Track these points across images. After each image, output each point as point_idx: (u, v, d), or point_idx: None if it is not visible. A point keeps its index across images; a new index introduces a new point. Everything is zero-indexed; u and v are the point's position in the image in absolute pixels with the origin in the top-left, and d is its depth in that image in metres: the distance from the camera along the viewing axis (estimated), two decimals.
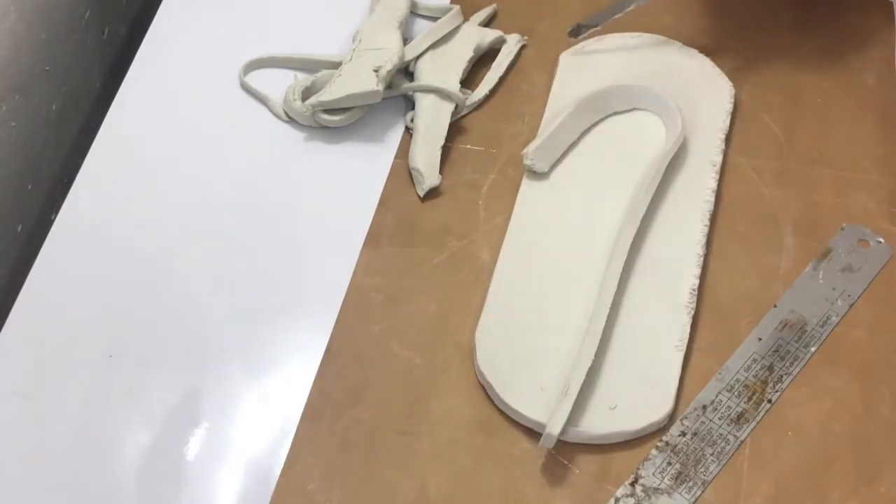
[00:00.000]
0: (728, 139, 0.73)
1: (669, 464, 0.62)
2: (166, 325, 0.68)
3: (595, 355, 0.63)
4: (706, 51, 0.77)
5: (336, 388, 0.65)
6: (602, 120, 0.74)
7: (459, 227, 0.71)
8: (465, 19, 0.79)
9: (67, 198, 0.73)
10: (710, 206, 0.70)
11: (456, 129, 0.75)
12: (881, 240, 0.69)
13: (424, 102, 0.75)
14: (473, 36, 0.78)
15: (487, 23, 0.80)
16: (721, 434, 0.63)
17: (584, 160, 0.73)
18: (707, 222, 0.70)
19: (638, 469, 0.62)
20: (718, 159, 0.72)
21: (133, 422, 0.65)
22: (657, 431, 0.63)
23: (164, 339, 0.68)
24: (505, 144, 0.74)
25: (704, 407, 0.64)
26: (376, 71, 0.74)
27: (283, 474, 0.63)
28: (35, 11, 0.79)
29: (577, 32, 0.77)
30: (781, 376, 0.65)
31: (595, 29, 0.77)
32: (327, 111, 0.74)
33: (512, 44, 0.79)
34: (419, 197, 0.72)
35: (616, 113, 0.75)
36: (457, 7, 0.79)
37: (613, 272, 0.66)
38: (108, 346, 0.67)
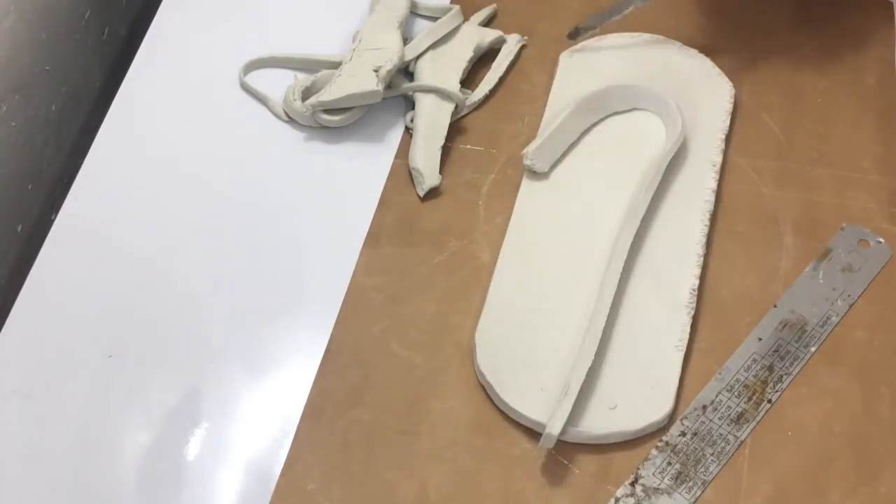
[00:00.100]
0: (728, 139, 0.73)
1: (669, 464, 0.62)
2: (166, 325, 0.68)
3: (595, 355, 0.63)
4: (706, 51, 0.77)
5: (336, 388, 0.65)
6: (602, 120, 0.74)
7: (459, 227, 0.71)
8: (465, 19, 0.79)
9: (67, 198, 0.73)
10: (710, 206, 0.70)
11: (456, 129, 0.75)
12: (881, 240, 0.69)
13: (424, 102, 0.75)
14: (473, 36, 0.78)
15: (487, 23, 0.80)
16: (721, 434, 0.63)
17: (584, 160, 0.73)
18: (707, 222, 0.70)
19: (638, 469, 0.62)
20: (718, 159, 0.72)
21: (133, 422, 0.65)
22: (657, 431, 0.63)
23: (164, 339, 0.68)
24: (505, 144, 0.74)
25: (704, 407, 0.64)
26: (376, 71, 0.74)
27: (283, 474, 0.63)
28: (35, 11, 0.79)
29: (576, 35, 0.77)
30: (781, 376, 0.65)
31: (593, 31, 0.77)
32: (327, 111, 0.74)
33: (512, 44, 0.79)
34: (419, 197, 0.72)
35: (616, 113, 0.75)
36: (457, 7, 0.79)
37: (613, 272, 0.66)
38: (108, 346, 0.67)
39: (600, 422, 0.63)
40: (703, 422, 0.63)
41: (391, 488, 0.62)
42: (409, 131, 0.75)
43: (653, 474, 0.62)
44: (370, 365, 0.66)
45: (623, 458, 0.63)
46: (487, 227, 0.71)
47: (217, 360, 0.67)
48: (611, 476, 0.62)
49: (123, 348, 0.67)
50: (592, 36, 0.77)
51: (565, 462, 0.63)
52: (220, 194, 0.73)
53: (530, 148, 0.72)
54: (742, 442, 0.63)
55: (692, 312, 0.66)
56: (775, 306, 0.67)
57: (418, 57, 0.77)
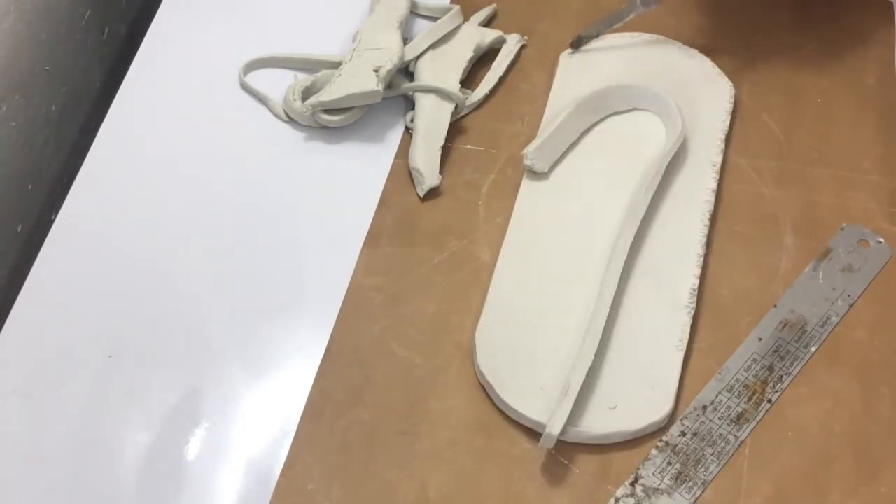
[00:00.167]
0: (728, 139, 0.73)
1: (669, 464, 0.62)
2: (166, 325, 0.68)
3: (595, 355, 0.63)
4: (706, 51, 0.77)
5: (336, 388, 0.65)
6: (602, 120, 0.74)
7: (459, 227, 0.71)
8: (465, 19, 0.79)
9: (67, 198, 0.73)
10: (710, 206, 0.70)
11: (456, 129, 0.75)
12: (881, 240, 0.69)
13: (424, 102, 0.75)
14: (473, 36, 0.78)
15: (487, 23, 0.80)
16: (721, 434, 0.63)
17: (584, 160, 0.73)
18: (707, 222, 0.70)
19: (638, 469, 0.62)
20: (718, 159, 0.72)
21: (133, 422, 0.65)
22: (657, 431, 0.63)
23: (164, 339, 0.68)
24: (505, 144, 0.74)
25: (704, 407, 0.64)
26: (376, 71, 0.74)
27: (283, 474, 0.63)
28: (35, 11, 0.79)
29: (578, 44, 0.77)
30: (781, 376, 0.65)
31: (595, 39, 0.77)
32: (327, 111, 0.74)
33: (512, 44, 0.79)
34: (419, 197, 0.72)
35: (616, 113, 0.75)
36: (457, 7, 0.79)
37: (613, 272, 0.66)
38: (108, 346, 0.67)
39: (600, 422, 0.63)
40: (703, 422, 0.63)
41: (391, 488, 0.62)
42: (409, 131, 0.75)
43: (653, 474, 0.62)
44: (370, 365, 0.66)
45: (623, 458, 0.63)
46: (487, 227, 0.71)
47: (217, 360, 0.67)
48: (611, 476, 0.62)
49: (123, 348, 0.67)
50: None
51: (565, 462, 0.63)
52: (220, 194, 0.73)
53: (530, 148, 0.72)
54: (742, 442, 0.63)
55: (692, 312, 0.66)
56: (775, 306, 0.67)
57: (418, 57, 0.77)
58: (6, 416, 0.65)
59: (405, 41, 0.77)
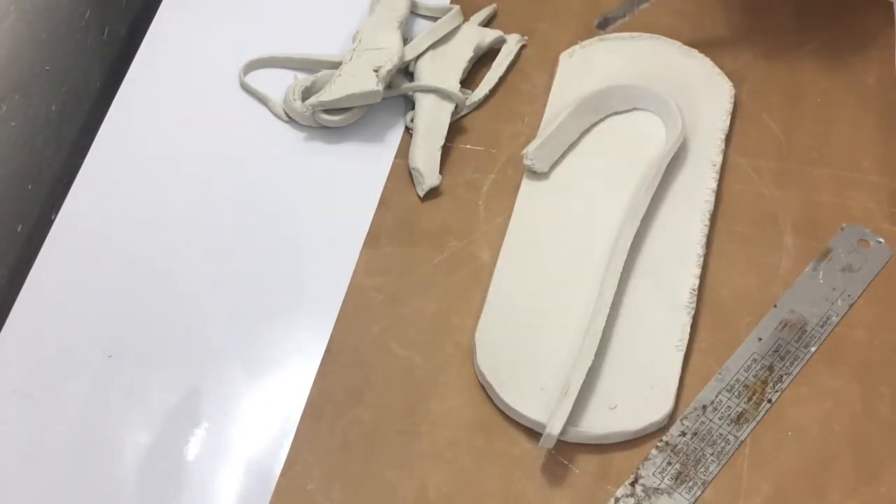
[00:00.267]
0: (728, 139, 0.73)
1: (669, 464, 0.62)
2: (166, 325, 0.68)
3: (595, 355, 0.63)
4: (706, 51, 0.77)
5: (336, 388, 0.65)
6: (602, 120, 0.74)
7: (459, 227, 0.71)
8: (465, 19, 0.79)
9: (67, 198, 0.73)
10: (710, 206, 0.70)
11: (456, 129, 0.75)
12: (881, 240, 0.69)
13: (424, 102, 0.75)
14: (473, 36, 0.78)
15: (487, 23, 0.80)
16: (721, 434, 0.63)
17: (584, 160, 0.73)
18: (707, 222, 0.70)
19: (638, 469, 0.62)
20: (718, 159, 0.72)
21: (133, 422, 0.65)
22: (657, 431, 0.63)
23: (164, 339, 0.68)
24: (505, 144, 0.74)
25: (704, 407, 0.64)
26: (376, 71, 0.74)
27: (283, 474, 0.63)
28: (35, 11, 0.79)
29: (605, 24, 0.76)
30: (781, 376, 0.65)
31: (623, 21, 0.76)
32: (327, 111, 0.74)
33: (512, 44, 0.79)
34: (419, 197, 0.72)
35: (616, 113, 0.75)
36: (457, 7, 0.79)
37: (613, 272, 0.66)
38: (108, 346, 0.67)
39: (600, 422, 0.63)
40: (703, 422, 0.63)
41: (391, 488, 0.62)
42: (409, 131, 0.75)
43: (653, 474, 0.62)
44: (370, 365, 0.66)
45: (623, 458, 0.63)
46: (487, 227, 0.71)
47: (217, 360, 0.67)
48: (611, 476, 0.62)
49: (123, 348, 0.67)
50: (623, 26, 0.76)
51: (565, 462, 0.63)
52: (220, 194, 0.73)
53: (530, 148, 0.72)
54: (742, 442, 0.63)
55: (692, 312, 0.66)
56: (775, 306, 0.67)
57: (418, 57, 0.77)
58: (6, 416, 0.65)
59: (405, 41, 0.77)
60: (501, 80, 0.77)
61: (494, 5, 0.81)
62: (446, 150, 0.74)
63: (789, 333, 0.66)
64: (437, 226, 0.71)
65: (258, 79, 0.78)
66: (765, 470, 0.62)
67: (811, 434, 0.63)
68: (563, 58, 0.77)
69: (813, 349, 0.66)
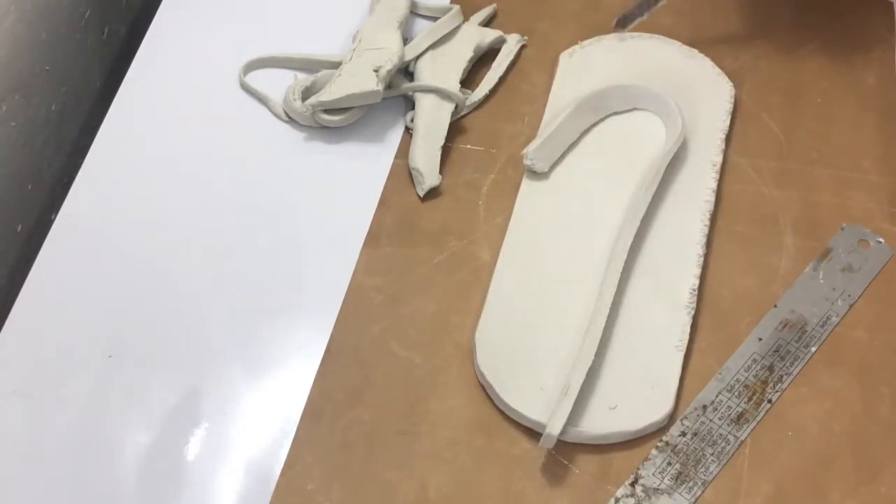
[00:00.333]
0: (728, 139, 0.73)
1: (669, 464, 0.62)
2: (166, 325, 0.68)
3: (595, 355, 0.63)
4: (706, 51, 0.77)
5: (336, 388, 0.65)
6: (602, 120, 0.74)
7: (459, 227, 0.71)
8: (465, 19, 0.79)
9: (67, 198, 0.73)
10: (710, 206, 0.70)
11: (456, 129, 0.75)
12: (881, 240, 0.69)
13: (424, 102, 0.75)
14: (473, 36, 0.78)
15: (487, 23, 0.80)
16: (721, 434, 0.63)
17: (584, 160, 0.73)
18: (707, 222, 0.70)
19: (638, 469, 0.62)
20: (718, 159, 0.72)
21: (133, 422, 0.65)
22: (657, 431, 0.63)
23: (164, 339, 0.68)
24: (505, 144, 0.74)
25: (704, 407, 0.64)
26: (376, 71, 0.74)
27: (283, 474, 0.63)
28: (35, 11, 0.79)
29: (624, 23, 0.76)
30: (781, 376, 0.65)
31: (642, 19, 0.75)
32: (327, 111, 0.74)
33: (512, 44, 0.79)
34: (419, 197, 0.72)
35: (616, 113, 0.75)
36: (457, 7, 0.79)
37: (613, 272, 0.66)
38: (108, 346, 0.67)
39: (600, 422, 0.63)
40: (703, 422, 0.63)
41: (391, 488, 0.62)
42: (409, 131, 0.75)
43: (653, 474, 0.62)
44: (370, 365, 0.66)
45: (623, 458, 0.63)
46: (487, 227, 0.71)
47: (217, 360, 0.67)
48: (611, 476, 0.62)
49: (123, 348, 0.67)
50: (642, 24, 0.76)
51: (565, 462, 0.63)
52: (220, 194, 0.73)
53: (530, 148, 0.72)
54: (742, 442, 0.63)
55: (692, 312, 0.66)
56: (775, 306, 0.67)
57: (418, 57, 0.77)
58: (6, 416, 0.65)
59: (405, 41, 0.77)
60: (501, 80, 0.77)
61: (494, 5, 0.81)
62: (446, 150, 0.74)
63: (789, 333, 0.66)
64: (437, 226, 0.71)
65: (258, 79, 0.78)
66: (765, 470, 0.62)
67: (811, 434, 0.63)
68: (563, 58, 0.77)
69: (813, 349, 0.66)
